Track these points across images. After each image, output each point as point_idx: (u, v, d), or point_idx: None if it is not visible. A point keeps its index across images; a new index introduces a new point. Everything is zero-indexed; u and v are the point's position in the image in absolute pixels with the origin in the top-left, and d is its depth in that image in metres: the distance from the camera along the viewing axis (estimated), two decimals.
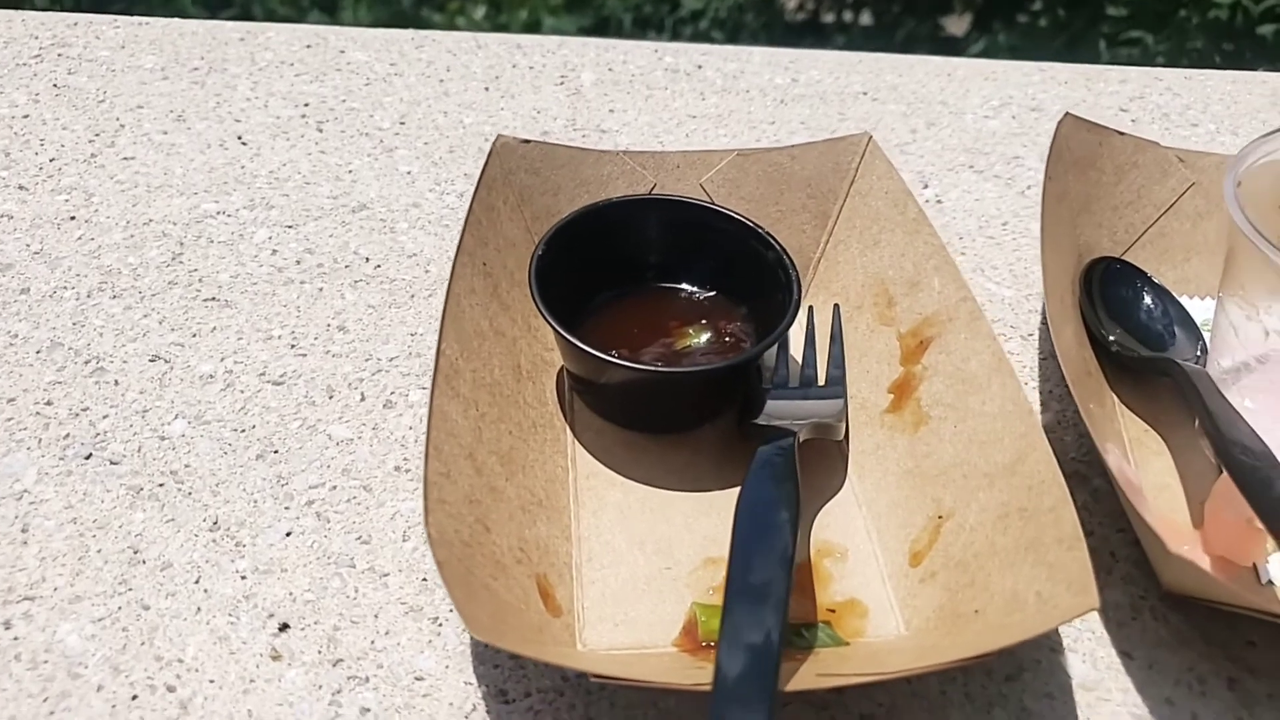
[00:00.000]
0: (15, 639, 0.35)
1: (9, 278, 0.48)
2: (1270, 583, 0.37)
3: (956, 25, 2.31)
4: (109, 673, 0.34)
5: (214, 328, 0.47)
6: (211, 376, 0.44)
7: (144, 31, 0.67)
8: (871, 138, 0.48)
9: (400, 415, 0.43)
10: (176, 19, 0.69)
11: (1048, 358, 0.47)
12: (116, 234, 0.51)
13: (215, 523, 0.39)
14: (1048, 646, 0.36)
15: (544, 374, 0.44)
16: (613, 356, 0.39)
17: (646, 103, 0.64)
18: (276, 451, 0.41)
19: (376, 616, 0.36)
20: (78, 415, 0.42)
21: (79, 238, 0.51)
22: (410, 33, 0.69)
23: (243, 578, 0.37)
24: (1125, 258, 0.49)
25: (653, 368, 0.41)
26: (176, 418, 0.43)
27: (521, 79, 0.65)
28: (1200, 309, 0.47)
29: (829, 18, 2.40)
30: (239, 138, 0.58)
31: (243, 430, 0.42)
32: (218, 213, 0.53)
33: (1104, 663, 0.36)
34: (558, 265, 0.43)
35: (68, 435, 0.41)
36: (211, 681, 0.34)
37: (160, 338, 0.46)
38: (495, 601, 0.33)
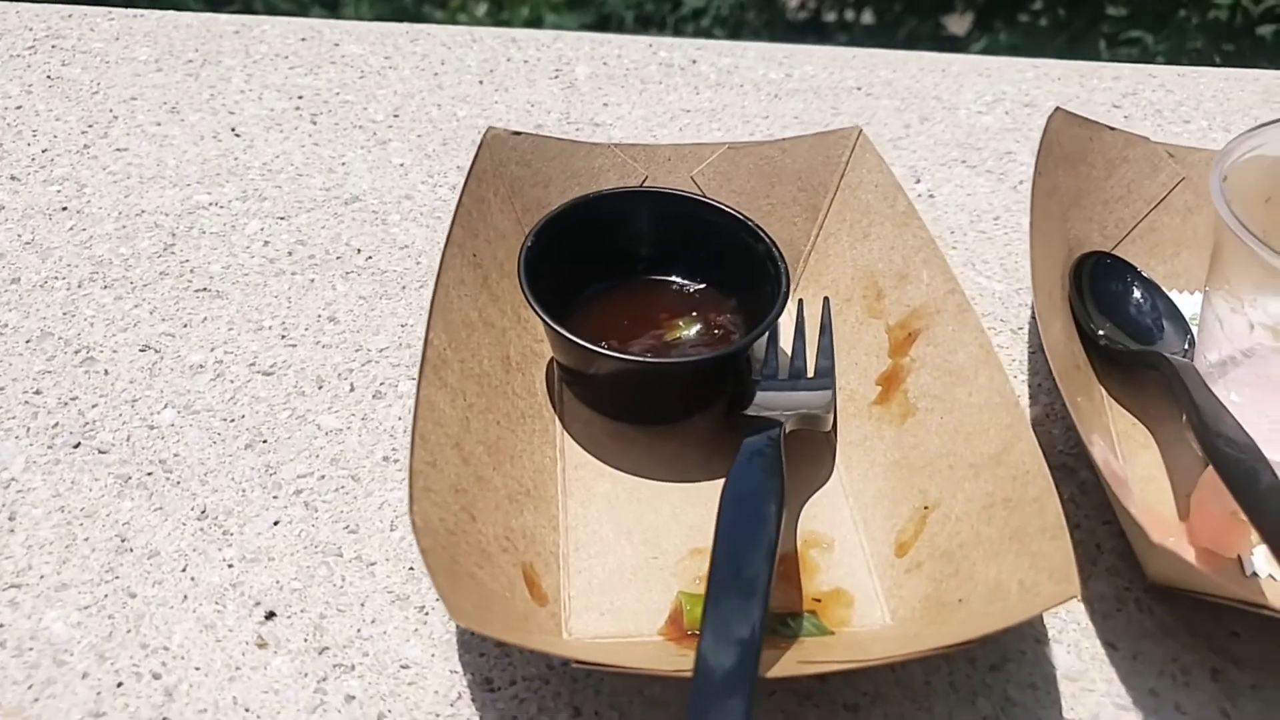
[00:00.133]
0: (1, 626, 0.35)
1: None
2: (1254, 574, 0.37)
3: (958, 24, 2.31)
4: (95, 660, 0.34)
5: (205, 318, 0.47)
6: (201, 366, 0.44)
7: (138, 24, 0.67)
8: (862, 132, 0.48)
9: (389, 406, 0.43)
10: (171, 11, 0.69)
11: (1037, 351, 0.47)
12: (108, 224, 0.51)
13: (203, 511, 0.39)
14: (1032, 637, 0.36)
15: (533, 365, 0.44)
16: (602, 348, 0.39)
17: (640, 97, 0.64)
18: (265, 441, 0.42)
19: (363, 605, 0.36)
20: (67, 404, 0.42)
21: (71, 228, 0.51)
22: (405, 26, 0.69)
23: (230, 566, 0.37)
24: (1115, 252, 0.49)
25: (641, 359, 0.41)
26: (166, 407, 0.43)
27: (516, 73, 0.65)
28: (1189, 303, 0.47)
29: (830, 16, 2.40)
30: (232, 129, 0.59)
31: (232, 420, 0.42)
32: (210, 204, 0.53)
33: (1088, 653, 0.36)
34: (547, 257, 0.43)
35: (56, 424, 0.42)
36: (197, 669, 0.34)
37: (151, 328, 0.46)
38: (480, 590, 0.33)
